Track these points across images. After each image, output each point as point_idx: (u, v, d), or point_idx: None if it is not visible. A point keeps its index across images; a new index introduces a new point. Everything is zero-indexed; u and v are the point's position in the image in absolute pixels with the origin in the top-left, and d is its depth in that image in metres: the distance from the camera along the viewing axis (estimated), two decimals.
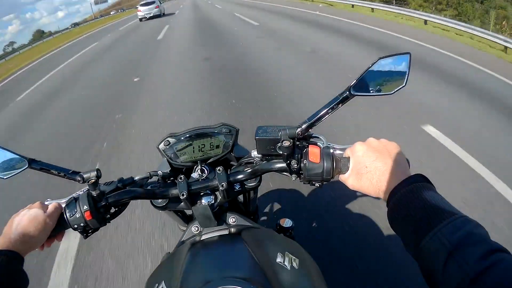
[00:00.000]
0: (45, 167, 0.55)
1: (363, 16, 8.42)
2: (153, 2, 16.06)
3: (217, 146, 0.63)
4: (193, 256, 0.55)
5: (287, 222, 0.83)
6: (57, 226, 0.51)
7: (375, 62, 0.45)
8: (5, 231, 0.46)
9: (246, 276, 0.46)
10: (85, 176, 0.53)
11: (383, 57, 0.45)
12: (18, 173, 0.54)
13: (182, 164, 0.62)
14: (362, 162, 0.43)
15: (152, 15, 15.14)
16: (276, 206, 1.68)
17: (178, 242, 0.62)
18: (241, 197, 0.79)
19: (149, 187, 0.58)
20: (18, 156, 0.54)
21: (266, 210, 1.69)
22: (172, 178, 0.63)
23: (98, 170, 0.53)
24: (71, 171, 0.55)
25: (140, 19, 15.50)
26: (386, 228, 1.46)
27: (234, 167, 0.63)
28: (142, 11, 15.44)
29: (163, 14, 17.32)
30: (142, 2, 17.00)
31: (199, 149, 0.62)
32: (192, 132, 0.62)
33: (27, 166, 0.54)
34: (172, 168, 0.63)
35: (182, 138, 0.62)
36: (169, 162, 0.63)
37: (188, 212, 0.70)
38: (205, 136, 0.62)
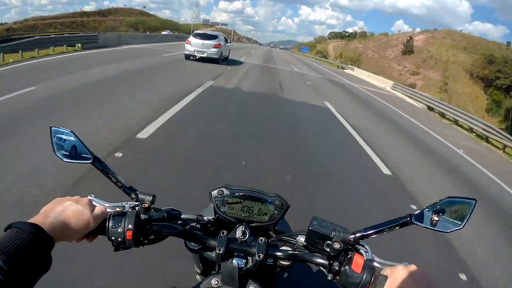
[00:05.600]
0: (105, 170, 0.66)
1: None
2: (214, 37, 13.23)
3: (265, 214, 0.75)
4: None
5: None
6: (95, 229, 0.59)
7: (442, 200, 0.56)
8: (46, 212, 0.53)
9: None
10: (140, 196, 0.65)
11: (451, 197, 0.56)
12: (79, 163, 0.66)
13: (227, 217, 0.75)
14: (399, 287, 0.52)
15: (205, 55, 12.60)
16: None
17: (193, 286, 0.73)
18: None
19: (187, 227, 0.71)
20: (86, 150, 0.65)
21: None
22: (210, 225, 0.76)
23: (154, 196, 0.65)
24: (129, 186, 0.67)
25: (187, 56, 13.02)
26: None
27: (272, 239, 0.76)
28: (193, 45, 12.73)
29: (225, 58, 14.74)
30: (198, 32, 14.28)
31: (247, 210, 0.74)
32: (246, 192, 0.74)
33: (90, 162, 0.65)
34: (216, 216, 0.76)
35: (236, 193, 0.74)
36: (215, 210, 0.75)
37: (210, 259, 0.83)
38: (257, 200, 0.74)
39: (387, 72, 54.14)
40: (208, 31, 17.89)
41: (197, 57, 12.69)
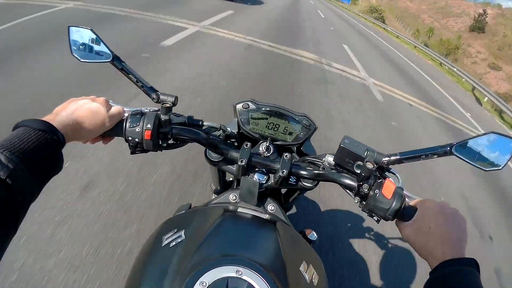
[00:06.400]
0: (125, 69, 0.64)
1: None
2: None
3: (290, 133, 0.74)
4: (223, 223, 0.63)
5: (312, 235, 0.89)
6: (111, 130, 0.59)
7: (486, 133, 0.55)
8: (58, 111, 0.53)
9: (267, 265, 0.54)
10: (161, 97, 0.63)
11: (495, 132, 0.54)
12: (97, 62, 0.65)
13: (250, 133, 0.74)
14: (428, 221, 0.52)
15: None
16: (301, 213, 1.99)
17: (208, 201, 0.75)
18: (284, 190, 0.91)
19: (211, 137, 0.69)
20: (106, 48, 0.64)
21: (292, 211, 1.75)
22: (233, 140, 0.75)
23: (176, 98, 0.63)
24: (150, 86, 0.65)
25: None
26: None
27: (296, 160, 0.73)
28: None
29: None
30: None
31: (272, 127, 0.74)
32: (273, 108, 0.73)
33: (109, 60, 0.64)
34: (239, 132, 0.76)
35: (262, 108, 0.73)
36: (239, 124, 0.75)
37: (229, 178, 0.87)
38: (284, 118, 0.73)
39: (455, 54, 40.48)
40: None
41: None
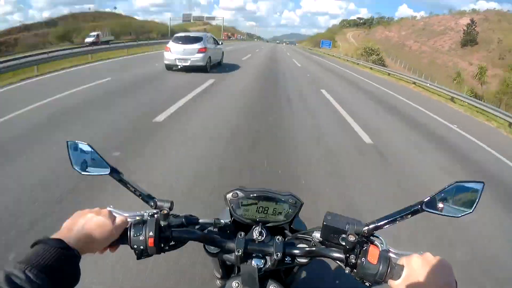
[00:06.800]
0: (123, 180, 0.69)
1: None
2: (198, 40, 11.49)
3: (279, 213, 0.79)
4: None
5: None
6: (117, 239, 0.62)
7: (451, 185, 0.58)
8: (68, 226, 0.56)
9: None
10: (158, 204, 0.68)
11: (459, 181, 0.58)
12: (96, 175, 0.70)
13: (242, 219, 0.79)
14: (416, 275, 0.54)
15: (189, 64, 10.88)
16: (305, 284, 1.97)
17: None
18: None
19: (206, 231, 0.74)
20: (103, 162, 0.69)
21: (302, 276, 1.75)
22: (227, 228, 0.79)
23: (172, 203, 0.68)
24: (147, 194, 0.70)
25: (168, 67, 11.25)
26: None
27: (289, 237, 0.79)
28: (174, 52, 10.97)
29: (218, 63, 13.20)
30: (178, 35, 12.38)
31: (262, 211, 0.79)
32: (260, 193, 0.78)
33: (107, 173, 0.69)
34: (232, 219, 0.82)
35: (250, 195, 0.78)
36: (231, 212, 0.80)
37: (229, 262, 0.87)
38: (271, 200, 0.78)
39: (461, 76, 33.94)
40: (192, 32, 16.14)
41: (180, 66, 10.84)
